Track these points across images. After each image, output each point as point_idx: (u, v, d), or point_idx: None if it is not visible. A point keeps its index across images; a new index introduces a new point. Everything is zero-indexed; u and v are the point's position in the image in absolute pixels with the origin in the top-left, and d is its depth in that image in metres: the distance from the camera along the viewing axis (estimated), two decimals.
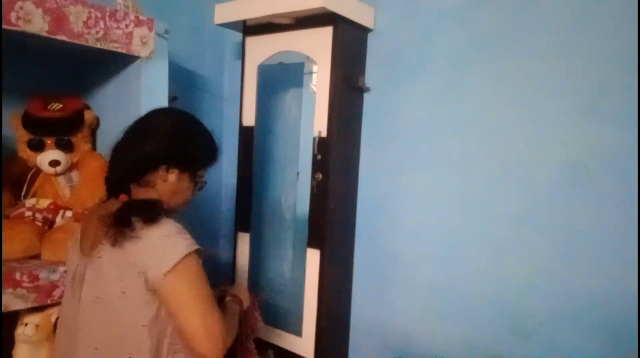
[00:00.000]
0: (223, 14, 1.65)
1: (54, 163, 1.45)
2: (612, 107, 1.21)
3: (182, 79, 1.87)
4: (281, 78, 1.80)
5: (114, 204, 1.00)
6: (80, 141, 1.52)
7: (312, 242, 1.57)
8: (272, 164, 1.84)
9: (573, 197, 1.27)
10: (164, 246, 0.93)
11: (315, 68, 1.59)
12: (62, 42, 1.23)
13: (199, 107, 1.99)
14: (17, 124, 1.44)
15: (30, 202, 1.44)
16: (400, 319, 1.61)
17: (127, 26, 1.34)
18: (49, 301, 1.29)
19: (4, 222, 1.36)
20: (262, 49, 1.67)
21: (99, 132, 1.62)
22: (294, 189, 1.73)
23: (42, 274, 1.26)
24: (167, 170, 1.04)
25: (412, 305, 1.58)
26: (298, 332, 1.63)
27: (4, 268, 1.23)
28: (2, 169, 1.41)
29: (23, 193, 1.46)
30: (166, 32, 1.45)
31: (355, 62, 1.61)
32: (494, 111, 1.39)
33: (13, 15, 1.13)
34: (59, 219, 1.46)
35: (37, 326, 1.31)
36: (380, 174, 1.63)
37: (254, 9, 1.56)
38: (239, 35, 1.74)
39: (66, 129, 1.48)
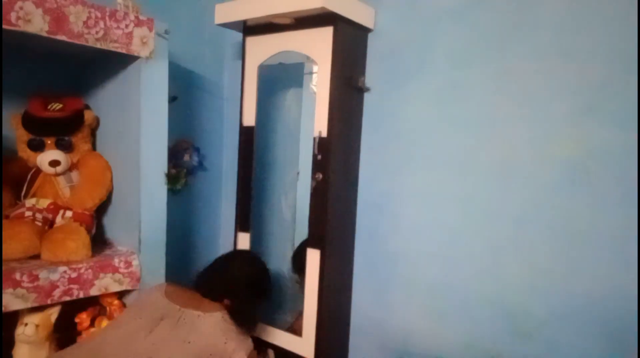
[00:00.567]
0: (223, 14, 1.65)
1: (54, 163, 1.45)
2: (612, 107, 1.21)
3: (182, 79, 1.87)
4: (281, 78, 1.80)
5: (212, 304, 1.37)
6: (80, 141, 1.52)
7: (312, 242, 1.57)
8: (272, 164, 1.84)
9: (573, 197, 1.27)
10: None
11: (315, 68, 1.58)
12: (62, 42, 1.24)
13: (199, 107, 1.99)
14: (17, 124, 1.44)
15: (30, 202, 1.45)
16: (400, 319, 1.61)
17: (127, 26, 1.34)
18: (49, 301, 1.29)
19: (4, 222, 1.36)
20: (262, 49, 1.67)
21: (99, 132, 1.62)
22: (293, 189, 1.73)
23: (42, 274, 1.26)
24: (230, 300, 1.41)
25: (412, 305, 1.58)
26: (298, 332, 1.63)
27: (4, 268, 1.23)
28: (2, 169, 1.41)
29: (23, 193, 1.46)
30: (166, 32, 1.45)
31: (355, 62, 1.61)
32: (494, 110, 1.39)
33: (13, 15, 1.14)
34: (59, 219, 1.46)
35: (37, 326, 1.31)
36: (380, 174, 1.63)
37: (254, 9, 1.56)
38: (239, 35, 1.74)
39: (66, 129, 1.48)
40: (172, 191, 1.43)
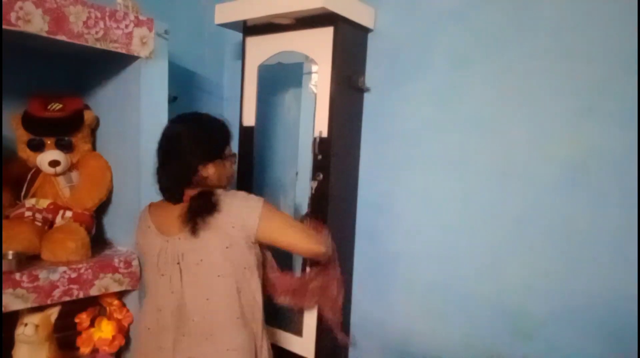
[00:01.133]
0: (223, 14, 1.65)
1: (54, 163, 1.45)
2: (612, 107, 1.21)
3: (182, 79, 1.87)
4: (281, 78, 1.80)
5: (182, 206, 1.25)
6: (80, 141, 1.52)
7: None
8: (272, 164, 1.84)
9: (573, 197, 1.27)
10: (247, 202, 1.25)
11: (314, 68, 1.58)
12: (62, 42, 1.23)
13: (199, 107, 1.99)
14: (17, 124, 1.44)
15: (30, 202, 1.44)
16: (401, 319, 1.61)
17: (127, 26, 1.34)
18: (48, 302, 1.29)
19: (4, 222, 1.36)
20: (262, 49, 1.67)
21: (99, 132, 1.62)
22: (293, 189, 1.73)
23: (42, 274, 1.26)
24: (204, 168, 1.26)
25: (412, 305, 1.58)
26: (298, 332, 1.63)
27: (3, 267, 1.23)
28: (2, 169, 1.41)
29: (23, 193, 1.46)
30: (166, 32, 1.45)
31: (355, 62, 1.61)
32: (494, 110, 1.39)
33: (13, 15, 1.14)
34: (58, 220, 1.46)
35: (37, 326, 1.31)
36: (380, 174, 1.63)
37: (254, 9, 1.56)
38: (239, 35, 1.74)
39: (66, 129, 1.48)
40: None
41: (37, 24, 1.17)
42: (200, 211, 1.22)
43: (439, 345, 1.52)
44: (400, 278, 1.60)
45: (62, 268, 1.30)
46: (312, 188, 1.56)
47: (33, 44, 1.31)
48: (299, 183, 1.68)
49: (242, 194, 1.28)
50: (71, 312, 1.46)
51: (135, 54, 1.38)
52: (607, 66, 1.21)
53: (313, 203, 1.57)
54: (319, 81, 1.53)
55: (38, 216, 1.42)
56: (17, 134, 1.46)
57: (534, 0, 1.31)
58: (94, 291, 1.38)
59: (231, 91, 2.05)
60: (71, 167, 1.51)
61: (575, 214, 1.27)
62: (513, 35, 1.35)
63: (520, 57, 1.34)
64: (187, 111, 1.34)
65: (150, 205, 1.35)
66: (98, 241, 1.55)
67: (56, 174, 1.48)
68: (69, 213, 1.46)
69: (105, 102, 1.58)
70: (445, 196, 1.49)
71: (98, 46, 1.29)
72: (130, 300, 1.52)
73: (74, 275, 1.33)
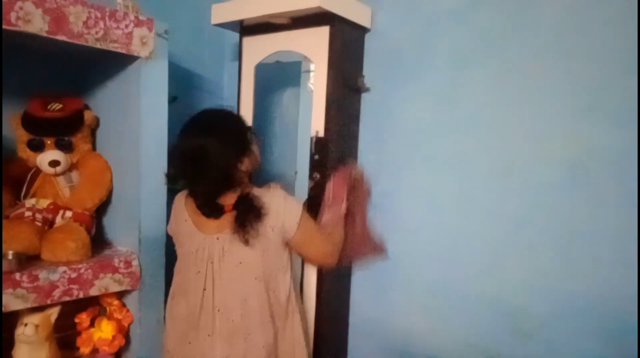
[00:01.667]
0: (220, 14, 1.65)
1: (54, 163, 1.45)
2: (612, 107, 1.21)
3: (182, 79, 1.87)
4: (279, 77, 1.80)
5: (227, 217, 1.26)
6: (80, 141, 1.52)
7: None
8: (270, 164, 1.83)
9: (573, 197, 1.27)
10: (287, 206, 1.27)
11: (312, 66, 1.58)
12: (62, 42, 1.24)
13: (199, 107, 1.98)
14: (17, 125, 1.44)
15: (30, 202, 1.45)
16: (400, 319, 1.61)
17: (126, 26, 1.34)
18: (48, 302, 1.29)
19: (4, 222, 1.36)
20: (259, 49, 1.67)
21: (99, 132, 1.62)
22: (292, 189, 1.73)
23: (42, 274, 1.26)
24: (241, 164, 1.26)
25: (412, 305, 1.58)
26: None
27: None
28: (2, 169, 1.41)
29: (23, 193, 1.46)
30: (166, 32, 1.45)
31: (352, 62, 1.60)
32: (493, 111, 1.39)
33: (13, 15, 1.14)
34: (58, 220, 1.46)
35: (37, 326, 1.31)
36: (379, 174, 1.62)
37: (251, 9, 1.56)
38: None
39: (66, 129, 1.48)
40: (172, 191, 1.42)
41: (37, 24, 1.17)
42: (249, 219, 1.22)
43: (439, 345, 1.52)
44: (400, 278, 1.60)
45: (62, 268, 1.30)
46: (309, 188, 1.56)
47: (33, 44, 1.31)
48: (298, 182, 1.68)
49: (279, 193, 1.28)
50: (71, 312, 1.46)
51: (135, 54, 1.38)
52: (607, 66, 1.21)
53: (310, 202, 1.56)
54: (316, 80, 1.53)
55: (38, 216, 1.42)
56: (17, 134, 1.46)
57: (534, 0, 1.31)
58: (94, 291, 1.38)
59: (231, 91, 2.05)
60: (71, 167, 1.52)
61: (575, 214, 1.27)
62: (513, 35, 1.35)
63: (520, 57, 1.34)
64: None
65: (186, 196, 1.32)
66: (98, 241, 1.55)
67: (56, 174, 1.48)
68: (69, 213, 1.47)
69: (105, 102, 1.58)
70: (445, 196, 1.49)
71: (98, 46, 1.29)
72: (130, 300, 1.52)
73: (74, 275, 1.33)
